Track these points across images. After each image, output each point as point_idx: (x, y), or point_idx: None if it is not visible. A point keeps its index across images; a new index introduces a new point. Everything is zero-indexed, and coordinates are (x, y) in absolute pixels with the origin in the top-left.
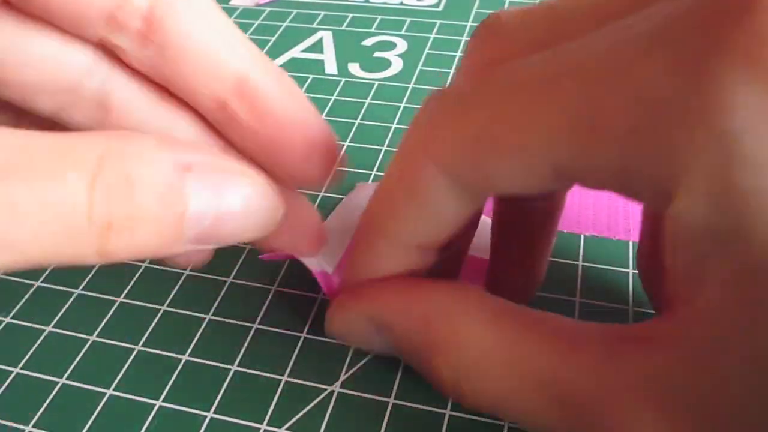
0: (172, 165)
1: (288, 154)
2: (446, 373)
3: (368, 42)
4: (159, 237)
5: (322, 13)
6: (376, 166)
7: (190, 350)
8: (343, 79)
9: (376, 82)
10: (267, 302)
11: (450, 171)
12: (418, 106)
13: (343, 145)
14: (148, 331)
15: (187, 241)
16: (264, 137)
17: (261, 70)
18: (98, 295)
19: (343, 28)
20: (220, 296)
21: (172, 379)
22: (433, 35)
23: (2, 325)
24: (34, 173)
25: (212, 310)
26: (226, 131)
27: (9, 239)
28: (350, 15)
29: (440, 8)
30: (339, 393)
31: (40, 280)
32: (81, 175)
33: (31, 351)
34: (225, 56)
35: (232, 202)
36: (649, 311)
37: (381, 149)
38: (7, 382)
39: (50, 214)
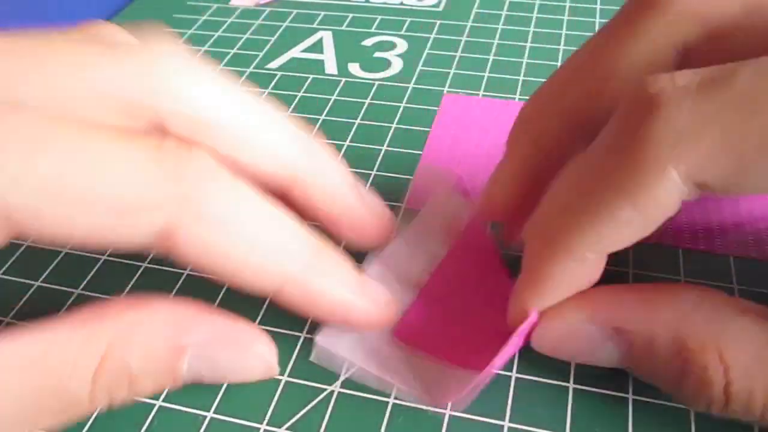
0: (171, 350)
1: (341, 231)
2: (715, 376)
3: (368, 42)
4: (155, 391)
5: (322, 13)
6: (376, 166)
7: None
8: (343, 79)
9: (376, 82)
10: (267, 302)
11: (700, 178)
12: (419, 106)
13: (343, 145)
14: None
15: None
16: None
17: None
18: (98, 295)
19: (343, 28)
20: (220, 296)
21: None
22: (433, 35)
23: (3, 325)
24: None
25: None
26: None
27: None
28: (350, 15)
29: (440, 8)
30: (339, 393)
31: (40, 280)
32: (85, 367)
33: None
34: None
35: (226, 368)
36: None
37: (381, 149)
38: None
39: (52, 396)
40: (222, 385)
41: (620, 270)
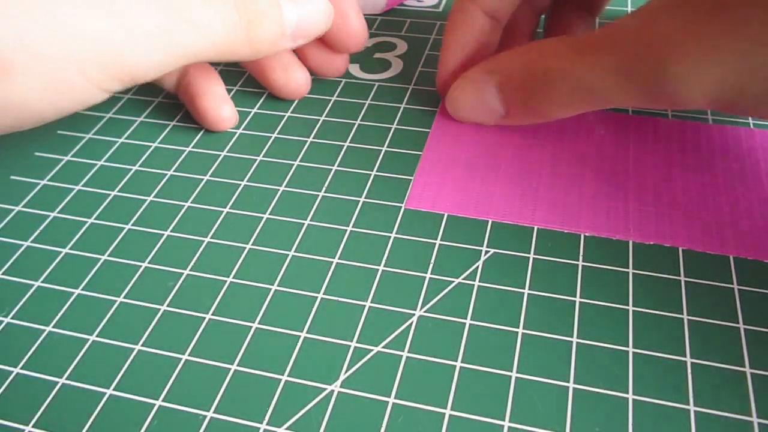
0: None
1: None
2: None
3: (368, 43)
4: (274, 30)
5: None
6: (376, 166)
7: (190, 350)
8: (344, 80)
9: (377, 83)
10: (267, 302)
11: None
12: (419, 107)
13: (343, 145)
14: (148, 331)
15: (289, 37)
16: None
17: None
18: (98, 295)
19: None
20: (220, 295)
21: (172, 379)
22: (433, 36)
23: (2, 325)
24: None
25: (212, 310)
26: None
27: (185, 41)
28: None
29: (440, 9)
30: (339, 393)
31: (40, 280)
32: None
33: (31, 351)
34: None
35: (308, 9)
36: (650, 311)
37: (381, 149)
38: (7, 382)
39: (218, 21)
40: (222, 384)
41: (620, 270)
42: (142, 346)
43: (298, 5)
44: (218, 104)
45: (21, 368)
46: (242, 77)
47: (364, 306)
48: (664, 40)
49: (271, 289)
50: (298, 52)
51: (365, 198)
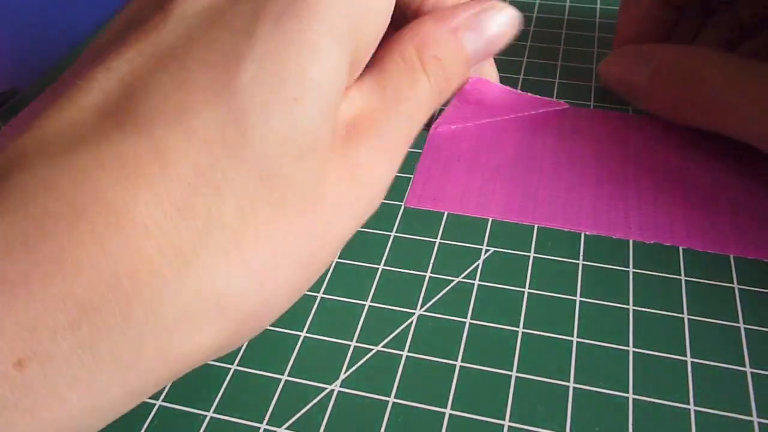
0: (451, 34)
1: None
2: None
3: None
4: (461, 75)
5: None
6: None
7: None
8: None
9: None
10: None
11: None
12: None
13: None
14: None
15: (475, 64)
16: None
17: None
18: None
19: None
20: None
21: None
22: None
23: None
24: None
25: None
26: None
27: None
28: None
29: None
30: (339, 393)
31: None
32: (420, 71)
33: None
34: None
35: (492, 30)
36: (650, 311)
37: None
38: None
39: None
40: (222, 384)
41: (620, 269)
42: None
43: (483, 31)
44: None
45: None
46: None
47: (364, 305)
48: None
49: None
50: None
51: None
